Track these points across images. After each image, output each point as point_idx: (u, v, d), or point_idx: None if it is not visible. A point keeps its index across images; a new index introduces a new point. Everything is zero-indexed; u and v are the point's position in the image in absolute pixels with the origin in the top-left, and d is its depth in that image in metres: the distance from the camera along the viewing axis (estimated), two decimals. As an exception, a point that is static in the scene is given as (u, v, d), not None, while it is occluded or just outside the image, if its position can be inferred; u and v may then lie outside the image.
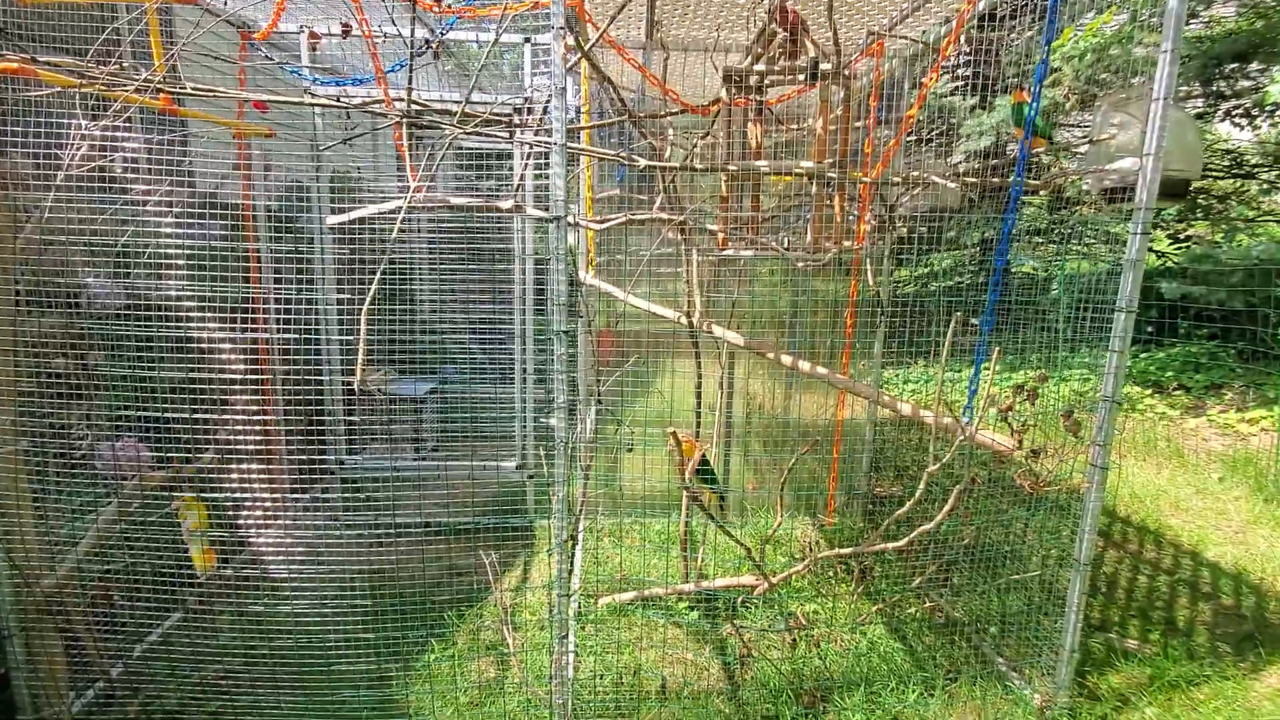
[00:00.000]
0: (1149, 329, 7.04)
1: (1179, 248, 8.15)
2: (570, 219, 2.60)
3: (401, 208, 2.42)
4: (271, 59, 3.30)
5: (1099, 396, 2.32)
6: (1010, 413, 2.61)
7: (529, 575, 3.65)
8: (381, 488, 3.90)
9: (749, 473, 4.63)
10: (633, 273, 3.51)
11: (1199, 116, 7.21)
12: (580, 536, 3.89)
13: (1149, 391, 6.34)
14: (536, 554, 3.87)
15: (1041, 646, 2.65)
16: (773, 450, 4.41)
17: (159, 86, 2.18)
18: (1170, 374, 6.43)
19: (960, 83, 7.47)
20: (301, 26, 3.62)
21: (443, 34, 2.76)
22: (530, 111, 2.29)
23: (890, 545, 2.39)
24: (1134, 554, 3.84)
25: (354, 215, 2.59)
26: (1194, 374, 6.37)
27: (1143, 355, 6.81)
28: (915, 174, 2.52)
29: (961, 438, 2.26)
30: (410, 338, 3.71)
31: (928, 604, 3.14)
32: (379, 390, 4.59)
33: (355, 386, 1.95)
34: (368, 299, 2.06)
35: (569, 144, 2.00)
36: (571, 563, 2.28)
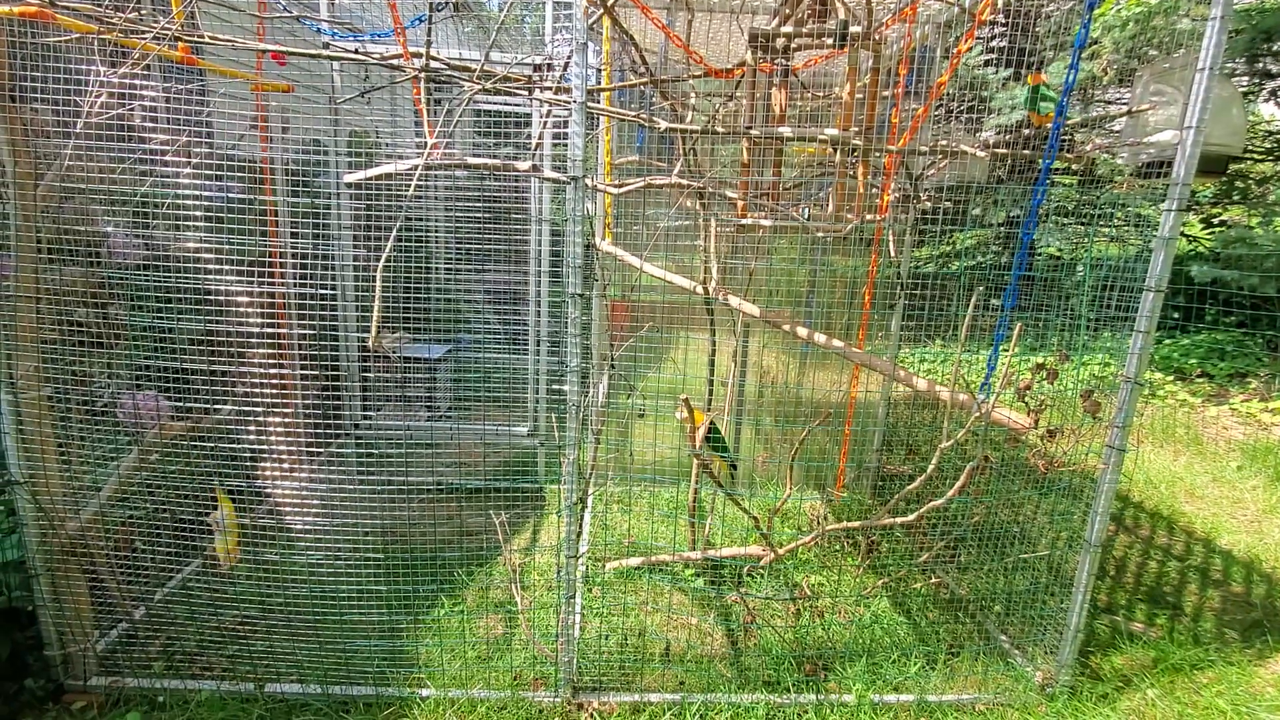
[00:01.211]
0: (1175, 314, 6.89)
1: (1211, 232, 7.92)
2: (588, 182, 2.57)
3: (419, 166, 2.41)
4: (291, 12, 3.26)
5: (1121, 377, 2.28)
6: (1028, 391, 2.58)
7: (538, 537, 3.71)
8: (395, 447, 3.95)
9: (760, 446, 4.64)
10: (650, 240, 3.48)
11: (1242, 95, 6.93)
12: (589, 502, 3.93)
13: (1170, 378, 6.23)
14: (546, 517, 3.92)
15: (1046, 626, 2.66)
16: (784, 424, 4.40)
17: (177, 35, 2.16)
18: (1194, 361, 6.30)
19: (992, 54, 7.22)
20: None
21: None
22: (550, 69, 2.24)
23: (898, 520, 2.39)
24: (1145, 539, 3.81)
25: (371, 173, 2.59)
26: (1218, 361, 6.24)
27: (1167, 341, 6.68)
28: (943, 144, 2.45)
29: (976, 414, 2.23)
30: (425, 300, 3.71)
31: (933, 580, 3.15)
32: (393, 352, 4.63)
33: (370, 347, 1.96)
34: (383, 258, 2.06)
35: (589, 104, 1.96)
36: (580, 526, 2.31)
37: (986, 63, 6.74)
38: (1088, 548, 2.43)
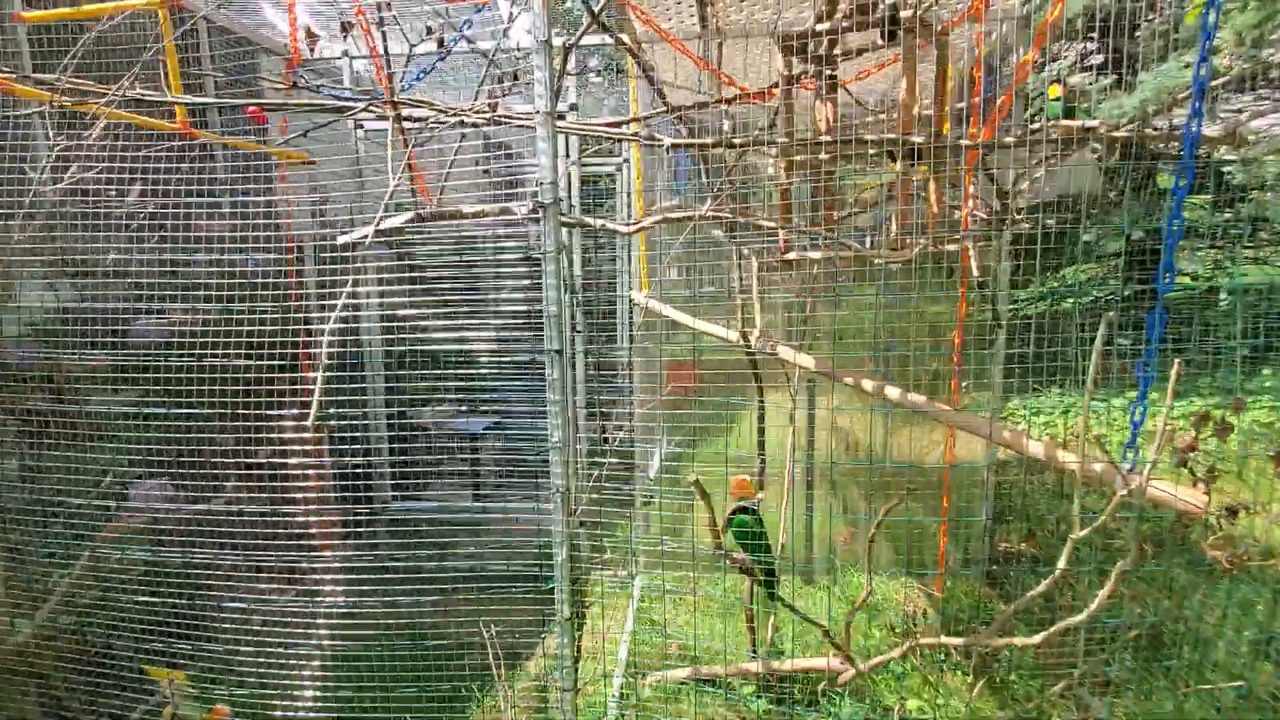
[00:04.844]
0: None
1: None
2: (613, 225, 2.20)
3: (410, 218, 2.14)
4: (307, 83, 3.19)
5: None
6: (1192, 454, 1.88)
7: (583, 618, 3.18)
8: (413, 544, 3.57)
9: (843, 523, 3.97)
10: (689, 291, 3.04)
11: None
12: (636, 594, 3.39)
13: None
14: (589, 604, 3.40)
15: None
16: (870, 497, 3.72)
17: (141, 97, 2.00)
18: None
19: (1087, 59, 6.48)
20: (344, 53, 3.53)
21: (464, 27, 2.49)
22: (516, 79, 1.94)
23: (1020, 641, 1.72)
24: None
25: (367, 231, 2.35)
26: None
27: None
28: (1035, 130, 1.89)
29: (1123, 490, 1.58)
30: (443, 370, 3.42)
31: (1078, 714, 2.36)
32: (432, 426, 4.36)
33: (310, 424, 1.65)
34: (331, 319, 1.74)
35: (560, 120, 1.60)
36: (577, 648, 1.80)
37: (1082, 68, 6.04)
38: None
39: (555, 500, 1.67)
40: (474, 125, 1.80)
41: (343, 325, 3.64)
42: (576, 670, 1.76)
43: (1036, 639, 1.68)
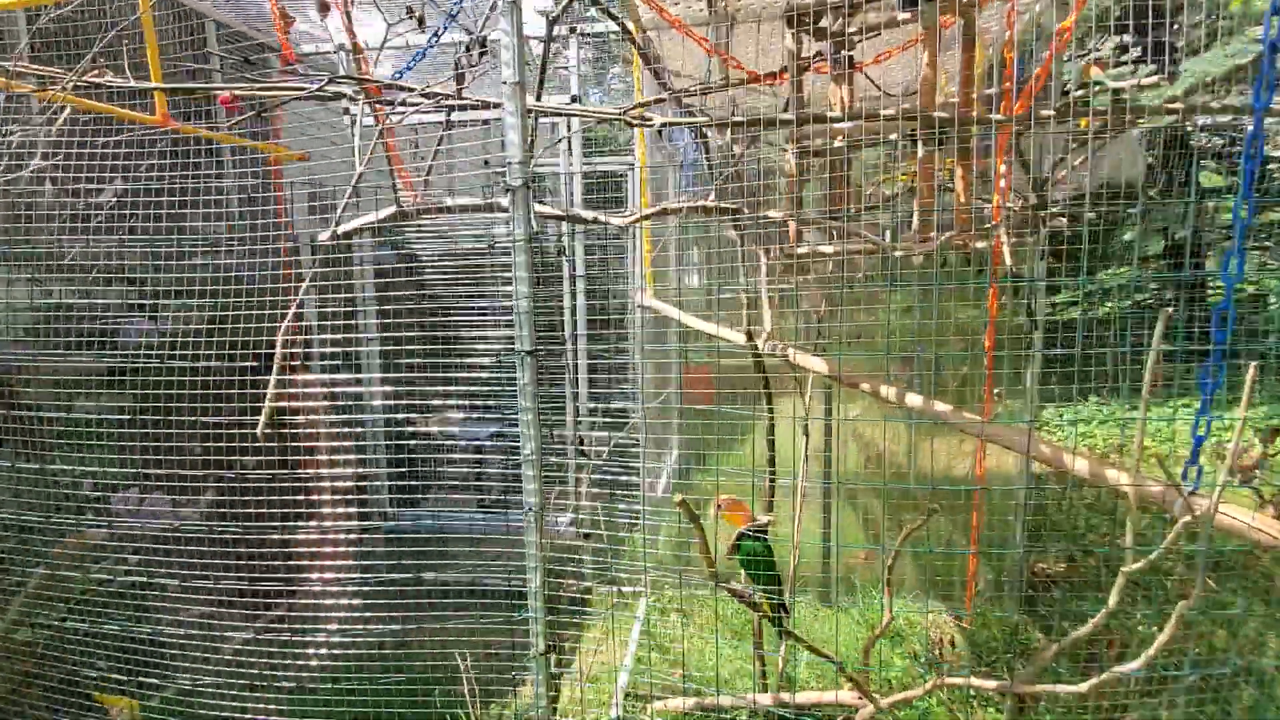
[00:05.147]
0: None
1: None
2: (605, 218, 2.03)
3: (396, 212, 2.01)
4: (301, 72, 3.08)
5: None
6: (1257, 473, 1.63)
7: (578, 649, 2.99)
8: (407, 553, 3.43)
9: (863, 537, 3.73)
10: (679, 288, 2.85)
11: None
12: (643, 610, 3.19)
13: None
14: (588, 628, 3.21)
15: None
16: (893, 514, 3.48)
17: (92, 82, 1.89)
18: None
19: (1128, 64, 6.16)
20: (340, 46, 3.42)
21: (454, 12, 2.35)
22: (484, 46, 1.76)
23: (1063, 688, 1.49)
24: None
25: (349, 226, 2.22)
26: None
27: None
28: (1078, 95, 1.67)
29: (1186, 518, 1.35)
30: (452, 373, 3.27)
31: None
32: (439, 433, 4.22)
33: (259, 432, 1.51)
34: (289, 317, 1.59)
35: (531, 99, 1.43)
36: (554, 688, 1.61)
37: (1121, 62, 5.73)
38: None
39: (528, 520, 1.49)
40: (443, 103, 1.64)
41: (341, 324, 3.53)
42: (555, 710, 1.58)
43: (1083, 687, 1.45)
